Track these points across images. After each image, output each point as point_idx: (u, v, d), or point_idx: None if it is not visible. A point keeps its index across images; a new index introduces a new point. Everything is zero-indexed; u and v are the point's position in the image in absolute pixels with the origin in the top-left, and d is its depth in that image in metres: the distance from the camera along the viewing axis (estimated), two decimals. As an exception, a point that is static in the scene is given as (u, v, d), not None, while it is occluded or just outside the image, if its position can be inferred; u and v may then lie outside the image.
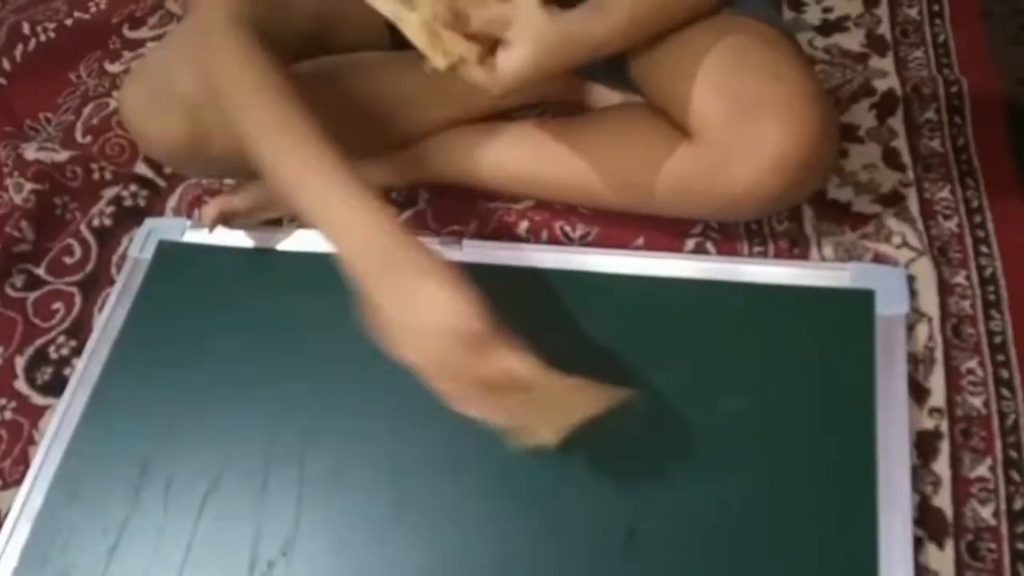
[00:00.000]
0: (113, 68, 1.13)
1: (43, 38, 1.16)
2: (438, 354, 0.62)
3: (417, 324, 0.63)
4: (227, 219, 0.89)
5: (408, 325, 0.63)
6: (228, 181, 0.99)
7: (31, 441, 0.85)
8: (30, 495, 0.79)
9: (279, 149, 0.70)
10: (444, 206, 0.95)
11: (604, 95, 0.92)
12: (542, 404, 0.64)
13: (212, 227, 0.90)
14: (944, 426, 0.76)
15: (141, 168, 1.02)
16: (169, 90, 0.82)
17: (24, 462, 0.83)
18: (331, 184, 0.68)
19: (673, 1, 0.76)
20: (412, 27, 0.68)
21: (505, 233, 0.92)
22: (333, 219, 0.68)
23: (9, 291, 0.95)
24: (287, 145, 0.70)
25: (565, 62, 0.71)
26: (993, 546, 0.70)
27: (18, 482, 0.81)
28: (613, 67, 0.85)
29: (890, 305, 0.80)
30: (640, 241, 0.89)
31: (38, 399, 0.88)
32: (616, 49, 0.75)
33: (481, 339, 0.62)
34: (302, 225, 0.94)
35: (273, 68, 0.73)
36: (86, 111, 1.08)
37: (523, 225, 0.92)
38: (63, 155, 1.02)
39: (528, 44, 0.68)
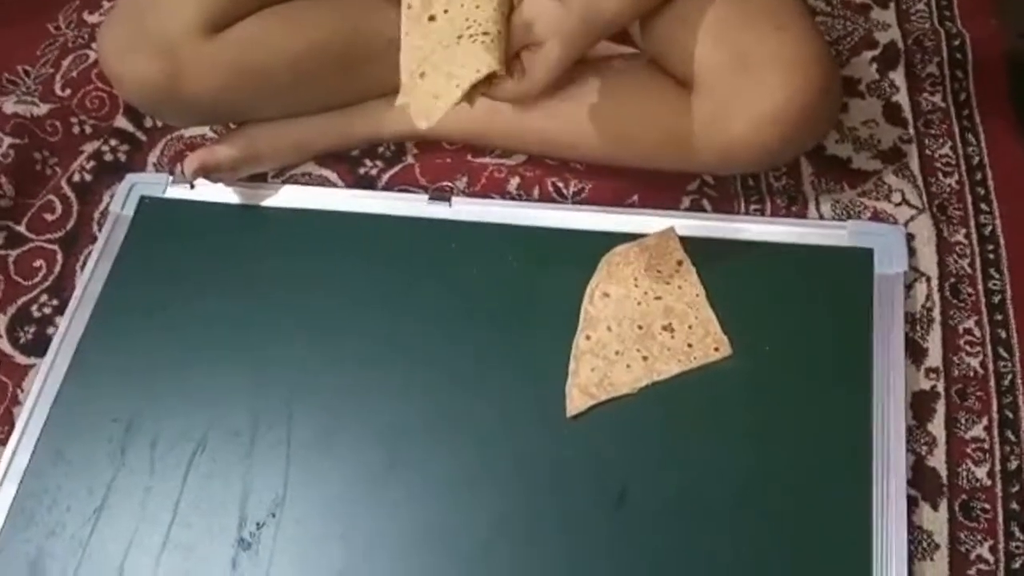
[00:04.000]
0: (92, 18, 1.09)
1: (20, -13, 1.12)
2: None
3: None
4: (209, 171, 0.87)
5: None
6: (211, 134, 0.97)
7: (15, 401, 0.83)
8: (15, 455, 0.78)
9: None
10: (433, 161, 0.92)
11: (598, 48, 0.90)
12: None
13: (193, 179, 0.87)
14: (940, 386, 0.75)
15: (122, 122, 0.99)
16: (145, 28, 0.80)
17: (8, 422, 0.82)
18: None
19: None
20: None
21: (496, 189, 0.90)
22: None
23: (-11, 249, 0.93)
24: None
25: (586, 46, 0.72)
26: (987, 506, 0.70)
27: (3, 442, 0.79)
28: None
29: (888, 264, 0.78)
30: (635, 198, 0.87)
31: (21, 359, 0.86)
32: (630, 20, 0.75)
33: None
34: (287, 180, 0.92)
35: None
36: (65, 63, 1.04)
37: (514, 181, 0.90)
38: (42, 108, 0.99)
39: (555, 40, 0.69)
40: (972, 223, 0.83)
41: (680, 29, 0.75)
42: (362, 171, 0.93)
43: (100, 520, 0.74)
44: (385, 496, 0.73)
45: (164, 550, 0.72)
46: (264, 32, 0.82)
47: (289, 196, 0.90)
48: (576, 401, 0.74)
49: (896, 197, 0.85)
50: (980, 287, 0.80)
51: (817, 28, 0.77)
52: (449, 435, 0.75)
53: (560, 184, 0.90)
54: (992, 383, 0.75)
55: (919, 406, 0.74)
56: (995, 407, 0.74)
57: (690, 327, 0.76)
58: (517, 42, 0.70)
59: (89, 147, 0.98)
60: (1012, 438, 0.73)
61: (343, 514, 0.73)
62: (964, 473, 0.72)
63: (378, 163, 0.93)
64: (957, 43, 0.94)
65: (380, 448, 0.75)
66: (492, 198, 0.89)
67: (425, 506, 0.72)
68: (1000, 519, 0.69)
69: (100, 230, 0.91)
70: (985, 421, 0.74)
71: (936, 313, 0.78)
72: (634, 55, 0.84)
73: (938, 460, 0.72)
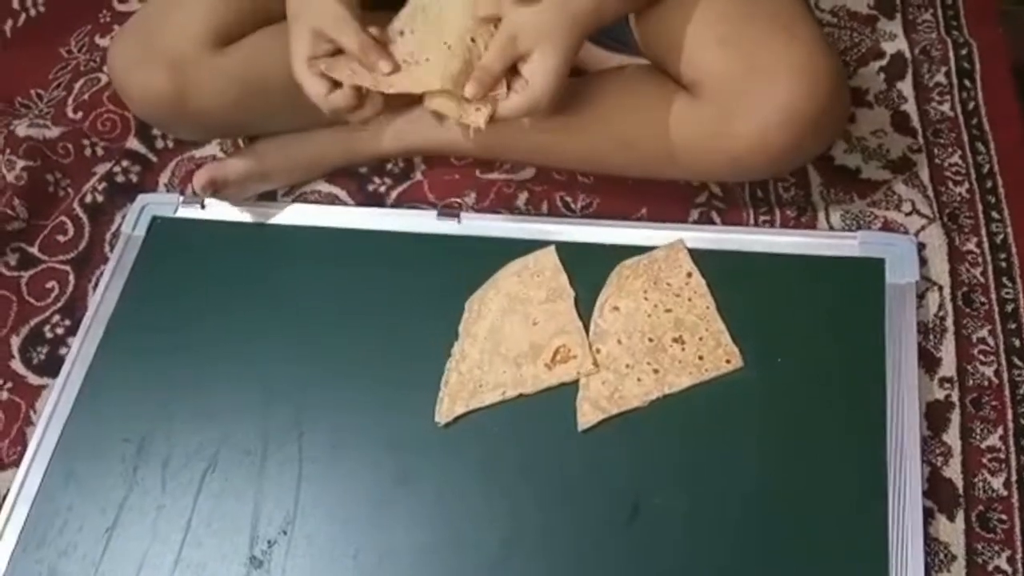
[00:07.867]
0: (104, 42, 1.10)
1: (33, 12, 1.14)
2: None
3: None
4: (218, 186, 0.88)
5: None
6: (221, 154, 0.97)
7: (28, 422, 0.84)
8: (27, 476, 0.78)
9: None
10: (441, 177, 0.93)
11: (602, 59, 0.90)
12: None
13: (202, 193, 0.88)
14: (955, 396, 0.74)
15: (133, 143, 1.00)
16: (153, 43, 0.81)
17: (21, 443, 0.82)
18: None
19: None
20: (440, 106, 0.72)
21: (505, 205, 0.90)
22: None
23: (3, 270, 0.94)
24: None
25: (580, 40, 0.72)
26: (1004, 517, 0.69)
27: (16, 463, 0.80)
28: (613, 25, 0.82)
29: (900, 274, 0.78)
30: (643, 211, 0.87)
31: (34, 379, 0.87)
32: (616, 10, 0.74)
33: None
34: (297, 198, 0.93)
35: None
36: (77, 86, 1.06)
37: (523, 196, 0.90)
38: (55, 131, 1.00)
39: (548, 45, 0.69)
40: (983, 232, 0.83)
41: (685, 31, 0.74)
42: (371, 188, 0.94)
43: (112, 540, 0.74)
44: (396, 512, 0.73)
45: (176, 569, 0.72)
46: (269, 47, 0.82)
47: (299, 214, 0.90)
48: (587, 415, 0.73)
49: (906, 207, 0.85)
50: (993, 296, 0.79)
51: (823, 33, 0.77)
52: (459, 450, 0.74)
53: (568, 198, 0.90)
54: (1007, 392, 0.74)
55: (934, 416, 0.74)
56: (1010, 416, 0.73)
57: (701, 339, 0.76)
58: (508, 57, 0.70)
59: (101, 168, 0.99)
60: (1028, 447, 0.72)
61: (354, 531, 0.72)
62: (980, 483, 0.71)
63: (387, 180, 0.94)
64: (964, 52, 0.94)
65: (390, 464, 0.75)
66: (501, 213, 0.89)
67: (436, 522, 0.72)
68: (1017, 529, 0.69)
69: (112, 250, 0.92)
70: (1001, 430, 0.73)
71: (949, 322, 0.78)
72: (639, 64, 0.84)
73: (954, 471, 0.71)
